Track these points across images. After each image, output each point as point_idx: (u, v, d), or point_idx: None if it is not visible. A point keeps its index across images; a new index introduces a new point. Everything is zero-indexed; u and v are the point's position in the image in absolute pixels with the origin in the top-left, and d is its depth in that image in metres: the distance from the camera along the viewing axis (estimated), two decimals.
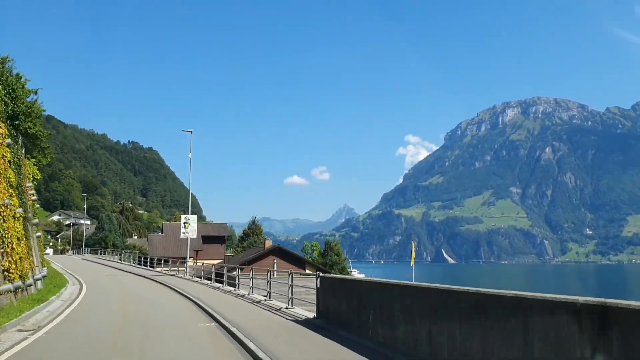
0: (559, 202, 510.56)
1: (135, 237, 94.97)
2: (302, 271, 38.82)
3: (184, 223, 31.93)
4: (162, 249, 49.52)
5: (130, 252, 43.18)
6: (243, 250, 61.13)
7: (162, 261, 34.91)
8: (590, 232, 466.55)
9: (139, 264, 36.41)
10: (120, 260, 40.87)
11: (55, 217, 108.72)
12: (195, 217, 33.81)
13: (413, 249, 49.93)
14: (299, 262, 47.76)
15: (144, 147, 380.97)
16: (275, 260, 43.68)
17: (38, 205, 32.40)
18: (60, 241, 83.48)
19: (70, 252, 65.87)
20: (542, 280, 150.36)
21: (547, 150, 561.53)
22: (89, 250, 59.36)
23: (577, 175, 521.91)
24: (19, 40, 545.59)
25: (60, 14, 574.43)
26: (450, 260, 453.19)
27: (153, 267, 33.88)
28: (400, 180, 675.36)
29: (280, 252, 47.34)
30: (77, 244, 71.69)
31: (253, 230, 70.21)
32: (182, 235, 32.04)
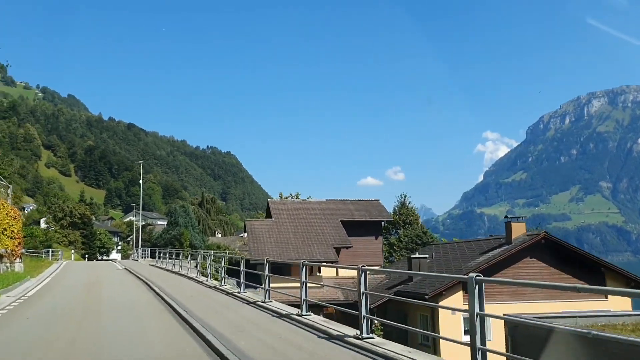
0: None
1: (219, 234, 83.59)
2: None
3: None
4: (273, 246, 31.22)
5: (213, 255, 29.83)
6: (404, 248, 43.15)
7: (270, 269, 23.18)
8: None
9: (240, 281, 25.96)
10: (198, 267, 29.79)
11: (129, 218, 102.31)
12: None
13: None
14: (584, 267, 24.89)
15: (223, 151, 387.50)
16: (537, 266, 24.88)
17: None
18: (131, 244, 76.66)
19: (134, 254, 54.47)
20: None
21: (639, 141, 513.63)
22: (148, 252, 44.32)
23: None
24: (108, 51, 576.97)
25: (141, 23, 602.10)
26: None
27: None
28: (481, 178, 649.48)
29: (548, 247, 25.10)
30: (146, 245, 62.42)
31: (404, 215, 50.05)
32: None
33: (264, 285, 13.70)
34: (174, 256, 28.59)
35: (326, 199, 39.00)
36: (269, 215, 37.35)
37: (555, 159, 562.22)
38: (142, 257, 43.06)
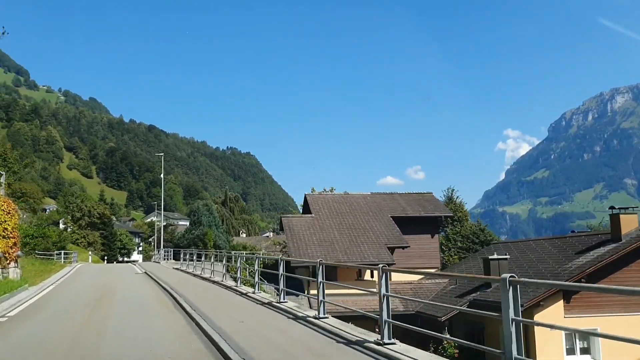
0: None
1: (244, 234, 79.27)
2: None
3: None
4: (316, 246, 26.35)
5: (244, 256, 25.74)
6: (458, 248, 37.93)
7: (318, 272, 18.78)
8: None
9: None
10: (224, 270, 25.21)
11: (150, 219, 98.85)
12: None
13: None
14: None
15: (242, 152, 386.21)
16: None
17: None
18: (153, 245, 72.89)
19: (156, 256, 50.33)
20: None
21: None
22: (170, 253, 39.89)
23: None
24: (128, 51, 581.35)
25: (160, 25, 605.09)
26: None
27: None
28: (502, 176, 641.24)
29: None
30: (168, 245, 58.39)
31: (453, 211, 41.75)
32: None
33: (319, 295, 9.94)
34: (201, 258, 24.31)
35: (371, 192, 34.22)
36: (306, 210, 32.79)
37: (578, 156, 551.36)
38: (165, 259, 38.73)
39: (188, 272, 24.67)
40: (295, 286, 25.05)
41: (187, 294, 15.20)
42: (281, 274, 12.68)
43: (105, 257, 61.17)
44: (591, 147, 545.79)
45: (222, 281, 19.47)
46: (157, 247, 57.93)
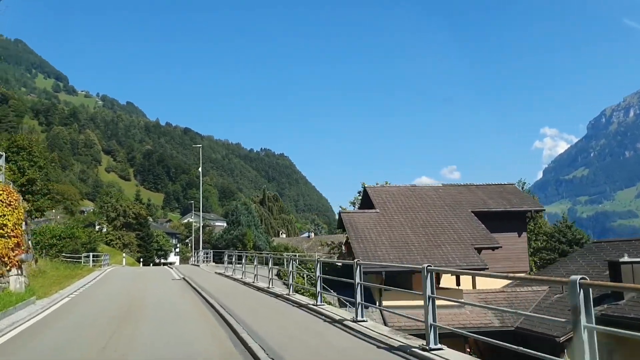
0: None
1: (284, 235, 74.96)
2: None
3: None
4: (387, 246, 21.85)
5: (296, 258, 21.58)
6: (543, 249, 33.49)
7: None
8: None
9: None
10: (271, 275, 20.68)
11: (187, 220, 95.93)
12: None
13: None
14: None
15: (276, 153, 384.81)
16: None
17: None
18: (190, 246, 69.53)
19: (193, 258, 46.16)
20: None
21: None
22: (210, 255, 35.71)
23: None
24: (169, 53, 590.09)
25: (193, 27, 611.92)
26: None
27: None
28: (540, 175, 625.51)
29: None
30: (206, 247, 54.55)
31: None
32: None
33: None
34: (241, 260, 20.10)
35: (442, 184, 29.18)
36: (365, 205, 28.05)
37: (619, 153, 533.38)
38: (205, 262, 34.55)
39: (232, 278, 20.32)
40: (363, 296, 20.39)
41: (237, 309, 10.85)
42: (357, 284, 9.30)
43: (141, 259, 58.11)
44: (633, 145, 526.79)
45: (268, 288, 15.76)
46: (194, 249, 54.37)
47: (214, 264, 35.21)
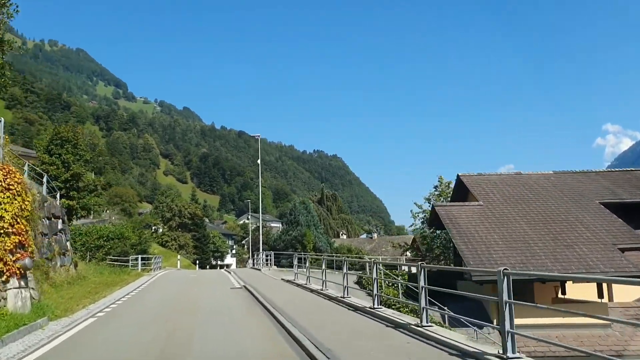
0: None
1: (344, 235, 70.51)
2: None
3: None
4: (503, 247, 17.08)
5: (379, 262, 19.80)
6: None
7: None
8: None
9: None
10: (364, 285, 18.98)
11: (243, 220, 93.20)
12: None
13: None
14: None
15: (329, 154, 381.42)
16: None
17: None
18: (246, 247, 66.39)
19: (251, 261, 41.90)
20: None
21: None
22: (272, 257, 31.00)
23: None
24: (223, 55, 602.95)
25: (245, 29, 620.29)
26: None
27: None
28: None
29: None
30: (264, 248, 50.79)
31: None
32: None
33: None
34: (304, 263, 15.80)
35: (553, 171, 23.61)
36: (459, 197, 23.03)
37: None
38: (267, 265, 30.27)
39: (306, 288, 15.94)
40: (467, 309, 15.45)
41: (338, 346, 6.42)
42: (506, 302, 6.36)
43: (197, 261, 55.47)
44: None
45: (343, 297, 12.46)
46: (250, 250, 50.90)
47: (275, 267, 31.05)
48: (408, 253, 45.31)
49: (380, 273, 21.87)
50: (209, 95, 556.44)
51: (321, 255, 17.89)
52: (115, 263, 25.90)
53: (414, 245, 41.12)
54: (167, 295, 16.41)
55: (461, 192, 22.97)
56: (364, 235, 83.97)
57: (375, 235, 67.97)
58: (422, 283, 8.61)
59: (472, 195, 21.31)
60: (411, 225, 37.91)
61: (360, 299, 12.93)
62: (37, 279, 14.93)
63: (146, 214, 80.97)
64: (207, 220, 78.05)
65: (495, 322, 15.85)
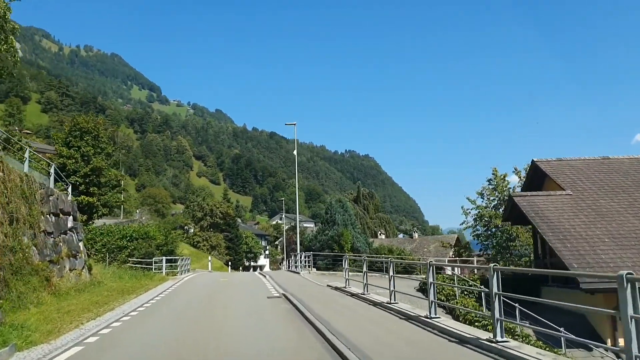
0: None
1: (382, 235, 67.09)
2: None
3: None
4: (611, 244, 13.58)
5: (445, 264, 14.99)
6: None
7: None
8: None
9: None
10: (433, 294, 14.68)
11: (276, 221, 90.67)
12: None
13: None
14: None
15: (361, 154, 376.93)
16: None
17: None
18: (279, 248, 63.74)
19: (286, 262, 38.92)
20: None
21: None
22: (311, 259, 27.70)
23: None
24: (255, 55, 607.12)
25: (274, 31, 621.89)
26: None
27: None
28: None
29: None
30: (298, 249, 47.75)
31: None
32: None
33: None
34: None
35: (638, 156, 19.75)
36: (534, 185, 19.38)
37: None
38: (307, 268, 26.95)
39: (366, 298, 12.59)
40: (561, 323, 11.90)
41: None
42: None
43: (230, 262, 53.07)
44: None
45: (430, 318, 8.22)
46: (285, 251, 48.03)
47: (315, 270, 27.90)
48: (451, 253, 41.77)
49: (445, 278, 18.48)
50: (241, 97, 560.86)
51: (379, 257, 14.57)
52: (138, 266, 23.38)
53: (466, 244, 37.51)
54: (197, 303, 13.51)
55: (536, 180, 19.28)
56: (401, 235, 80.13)
57: (415, 235, 64.12)
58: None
59: (554, 183, 17.64)
60: (462, 223, 34.24)
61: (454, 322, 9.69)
62: (33, 286, 12.27)
63: (178, 214, 79.51)
64: (239, 220, 75.83)
65: (609, 343, 12.27)
